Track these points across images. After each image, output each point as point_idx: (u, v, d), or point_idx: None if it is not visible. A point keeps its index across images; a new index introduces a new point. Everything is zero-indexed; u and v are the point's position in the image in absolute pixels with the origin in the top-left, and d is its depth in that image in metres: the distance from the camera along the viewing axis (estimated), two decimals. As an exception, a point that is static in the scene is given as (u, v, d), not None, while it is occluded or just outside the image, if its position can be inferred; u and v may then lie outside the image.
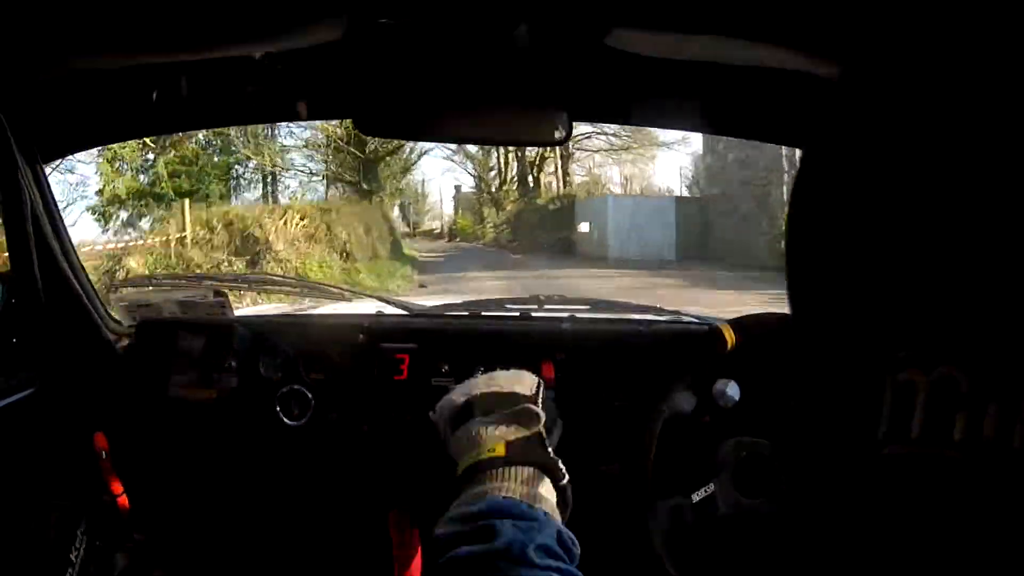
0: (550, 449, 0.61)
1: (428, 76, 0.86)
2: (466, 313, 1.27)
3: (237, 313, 1.31)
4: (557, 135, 0.87)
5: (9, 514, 0.92)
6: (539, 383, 0.67)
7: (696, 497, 0.82)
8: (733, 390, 1.13)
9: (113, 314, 1.22)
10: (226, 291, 1.27)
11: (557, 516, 0.57)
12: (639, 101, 0.98)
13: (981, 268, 0.20)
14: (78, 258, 1.09)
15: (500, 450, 0.59)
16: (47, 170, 0.99)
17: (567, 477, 0.60)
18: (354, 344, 1.14)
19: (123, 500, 1.16)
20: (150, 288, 1.28)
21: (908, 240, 0.22)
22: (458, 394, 0.66)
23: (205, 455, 1.22)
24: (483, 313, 1.26)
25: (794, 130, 0.94)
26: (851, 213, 0.25)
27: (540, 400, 0.64)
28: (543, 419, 0.62)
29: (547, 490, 0.58)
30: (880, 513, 0.23)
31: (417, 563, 1.09)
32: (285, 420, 1.13)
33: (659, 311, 1.34)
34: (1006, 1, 0.21)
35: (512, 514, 0.52)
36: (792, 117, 0.95)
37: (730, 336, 0.81)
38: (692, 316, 1.36)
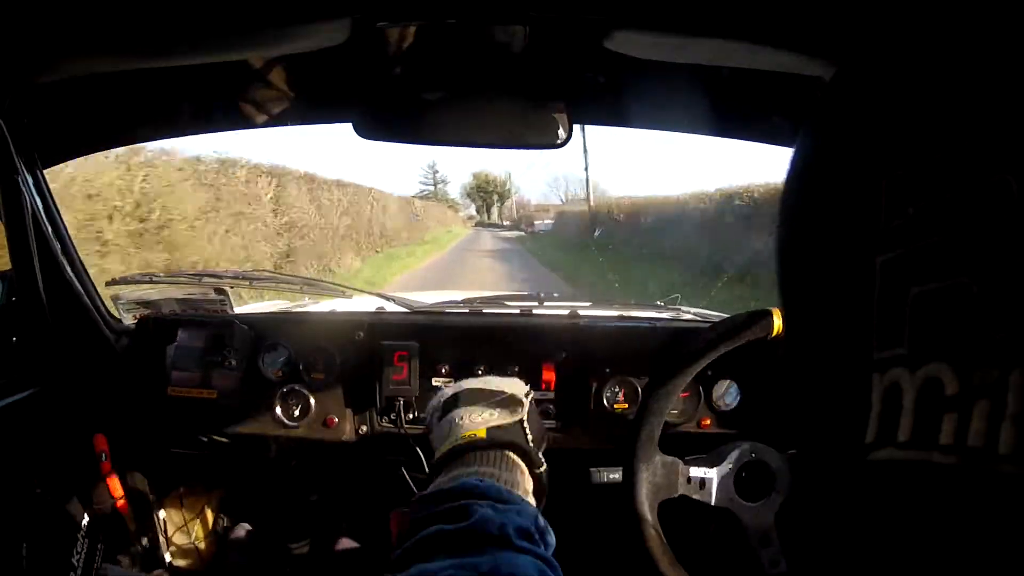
0: (530, 438, 0.62)
1: (428, 80, 0.86)
2: (466, 310, 1.27)
3: (237, 310, 1.31)
4: (559, 138, 0.87)
5: (10, 514, 0.92)
6: (529, 390, 0.68)
7: (693, 472, 0.81)
8: (733, 393, 1.13)
9: (113, 312, 1.23)
10: (227, 288, 1.27)
11: (533, 502, 0.57)
12: (640, 104, 0.98)
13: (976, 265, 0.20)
14: (79, 258, 1.09)
15: (481, 434, 0.59)
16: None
17: (544, 465, 0.61)
18: (354, 342, 1.14)
19: (123, 501, 1.16)
20: (150, 286, 1.27)
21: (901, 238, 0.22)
22: (448, 389, 0.68)
23: (205, 455, 1.22)
24: (484, 310, 1.26)
25: (793, 133, 0.94)
26: (844, 210, 0.25)
27: (527, 404, 0.65)
28: (526, 407, 0.63)
29: (525, 476, 0.58)
30: (868, 522, 0.23)
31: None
32: (285, 420, 1.13)
33: (659, 308, 1.35)
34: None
35: (489, 496, 0.50)
36: (791, 120, 0.95)
37: (779, 324, 0.78)
38: (692, 313, 1.36)
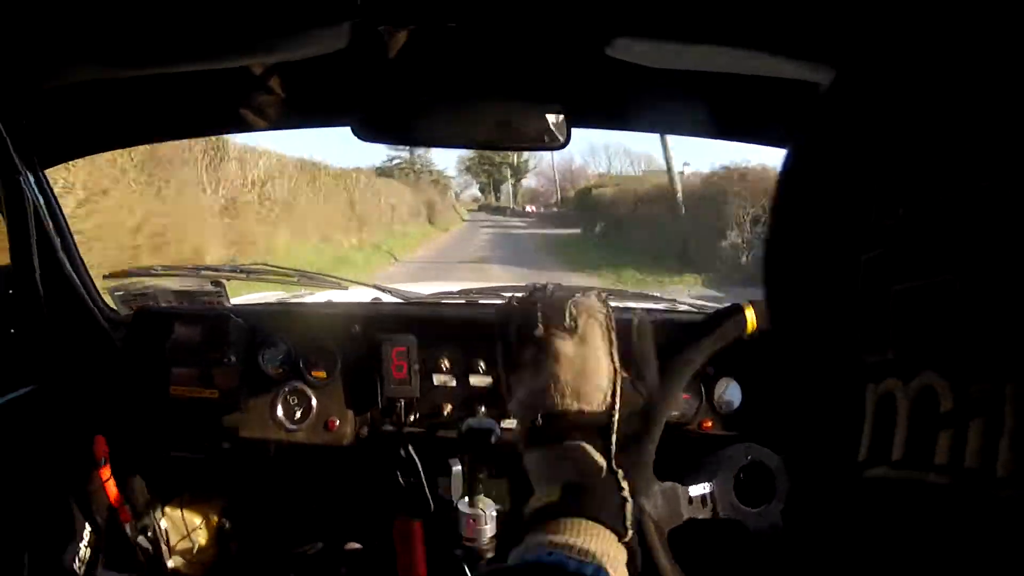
0: (625, 489, 0.53)
1: (427, 82, 0.85)
2: (463, 301, 1.26)
3: (233, 301, 1.31)
4: (556, 140, 0.87)
5: (9, 514, 0.93)
6: (615, 371, 0.57)
7: (693, 491, 0.79)
8: (734, 393, 1.10)
9: (110, 304, 1.22)
10: (223, 280, 1.26)
11: (612, 573, 0.50)
12: (639, 107, 0.97)
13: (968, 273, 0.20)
14: (78, 252, 1.09)
15: (555, 495, 0.52)
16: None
17: (631, 533, 0.52)
18: (352, 337, 1.13)
19: (124, 507, 1.17)
20: (147, 277, 1.27)
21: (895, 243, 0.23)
22: (524, 399, 0.58)
23: (206, 459, 1.22)
24: (480, 301, 1.26)
25: (791, 135, 0.94)
26: (836, 211, 0.25)
27: (616, 408, 0.55)
28: (601, 463, 0.54)
29: (602, 542, 0.51)
30: (863, 541, 0.23)
31: (421, 570, 1.09)
32: (286, 423, 1.12)
33: (656, 299, 1.34)
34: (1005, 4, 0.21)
35: (557, 573, 0.46)
36: (791, 123, 0.95)
37: (752, 318, 0.72)
38: (688, 304, 1.35)
